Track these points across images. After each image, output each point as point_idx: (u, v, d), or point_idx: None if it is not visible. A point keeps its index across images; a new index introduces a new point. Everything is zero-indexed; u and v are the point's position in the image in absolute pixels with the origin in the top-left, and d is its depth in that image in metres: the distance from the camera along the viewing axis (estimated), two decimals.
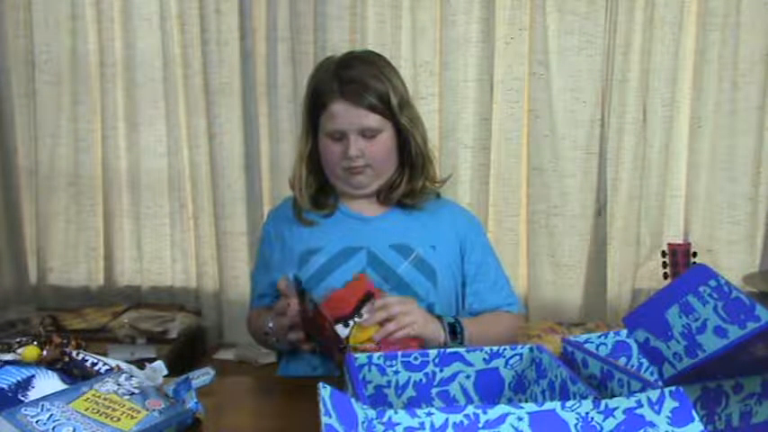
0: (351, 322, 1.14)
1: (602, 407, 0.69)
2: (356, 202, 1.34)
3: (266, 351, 2.05)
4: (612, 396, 0.74)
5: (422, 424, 0.68)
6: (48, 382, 0.95)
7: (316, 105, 1.26)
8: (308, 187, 1.32)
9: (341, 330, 1.13)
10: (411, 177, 1.32)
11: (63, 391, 0.91)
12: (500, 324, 1.32)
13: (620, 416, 0.69)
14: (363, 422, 0.66)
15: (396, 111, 1.25)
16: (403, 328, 1.14)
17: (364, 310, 1.15)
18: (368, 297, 1.16)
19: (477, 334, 1.24)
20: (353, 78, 1.23)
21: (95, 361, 1.02)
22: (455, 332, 1.21)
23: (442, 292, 1.29)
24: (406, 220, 1.32)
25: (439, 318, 1.21)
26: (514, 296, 1.40)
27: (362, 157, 1.25)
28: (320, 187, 1.34)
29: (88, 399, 0.89)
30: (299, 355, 1.30)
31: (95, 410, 0.87)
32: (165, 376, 1.00)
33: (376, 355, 0.91)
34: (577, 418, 0.68)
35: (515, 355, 0.93)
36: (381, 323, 1.14)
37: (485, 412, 0.68)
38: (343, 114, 1.23)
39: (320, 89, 1.25)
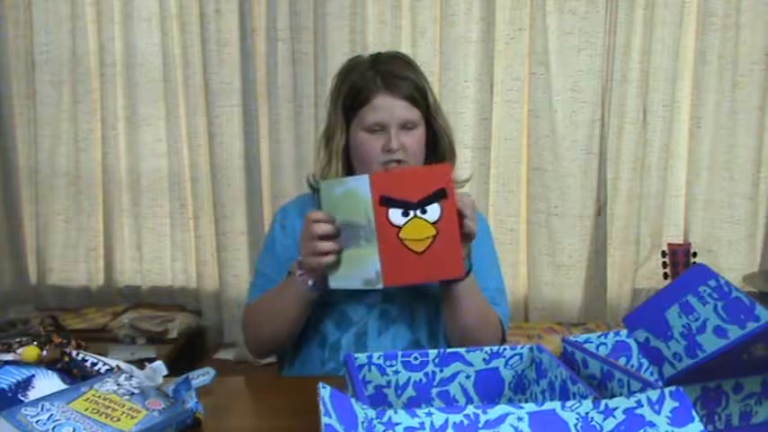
0: (411, 213, 1.09)
1: (602, 407, 0.69)
2: None
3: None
4: (612, 396, 0.74)
5: (422, 424, 0.68)
6: (48, 382, 0.95)
7: (356, 101, 1.26)
8: None
9: (396, 218, 1.08)
10: None
11: (63, 391, 0.91)
12: (488, 313, 1.28)
13: (620, 416, 0.69)
14: (363, 422, 0.66)
15: (432, 109, 1.28)
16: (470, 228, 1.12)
17: (430, 208, 1.08)
18: (441, 194, 1.08)
19: (474, 289, 1.23)
20: (393, 72, 1.25)
21: (95, 361, 1.02)
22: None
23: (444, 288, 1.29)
24: None
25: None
26: (503, 304, 1.35)
27: (402, 151, 1.25)
28: None
29: (88, 399, 0.89)
30: (306, 356, 1.30)
31: (95, 410, 0.87)
32: (165, 376, 1.00)
33: (376, 355, 0.91)
34: (577, 418, 0.68)
35: (515, 355, 0.93)
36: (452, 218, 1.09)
37: (485, 412, 0.68)
38: (387, 107, 1.23)
39: (361, 85, 1.25)
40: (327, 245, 1.12)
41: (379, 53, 1.35)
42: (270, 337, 1.30)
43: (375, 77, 1.24)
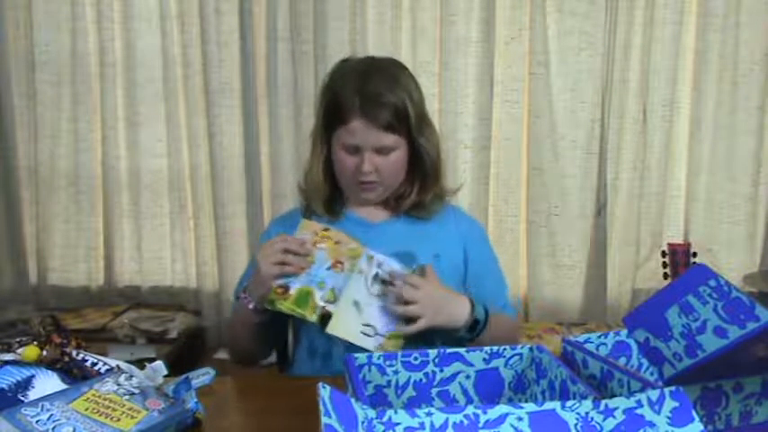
0: None
1: (602, 407, 0.69)
2: (363, 207, 1.34)
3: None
4: (612, 396, 0.74)
5: (422, 424, 0.68)
6: (48, 382, 0.95)
7: (334, 117, 1.25)
8: (324, 194, 1.32)
9: None
10: (421, 190, 1.32)
11: (63, 391, 0.91)
12: (504, 326, 1.31)
13: (620, 416, 0.69)
14: (363, 422, 0.66)
15: (413, 128, 1.25)
16: (406, 315, 1.15)
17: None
18: None
19: (488, 333, 1.23)
20: (374, 96, 1.22)
21: (95, 361, 1.02)
22: (474, 329, 1.20)
23: None
24: (412, 228, 1.32)
25: (472, 303, 1.20)
26: (510, 303, 1.39)
27: (375, 173, 1.25)
28: (331, 193, 1.34)
29: (88, 399, 0.89)
30: (299, 367, 1.30)
31: (95, 410, 0.87)
32: (165, 376, 1.00)
33: (376, 355, 0.91)
34: (577, 418, 0.68)
35: (515, 355, 0.93)
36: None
37: (485, 412, 0.68)
38: (361, 132, 1.22)
39: (340, 102, 1.24)
40: (290, 258, 1.16)
41: (373, 60, 1.32)
42: (241, 353, 1.33)
43: (354, 98, 1.22)
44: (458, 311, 1.19)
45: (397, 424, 0.68)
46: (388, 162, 1.25)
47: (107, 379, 0.94)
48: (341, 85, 1.25)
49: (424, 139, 1.28)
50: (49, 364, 0.98)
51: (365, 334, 1.16)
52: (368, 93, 1.22)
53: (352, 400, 0.68)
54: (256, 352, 1.34)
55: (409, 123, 1.25)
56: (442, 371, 0.92)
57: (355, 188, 1.29)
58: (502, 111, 2.32)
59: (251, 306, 1.20)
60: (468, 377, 0.92)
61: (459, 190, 1.42)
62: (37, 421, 0.82)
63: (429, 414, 0.68)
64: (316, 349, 1.28)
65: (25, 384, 0.94)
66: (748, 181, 2.30)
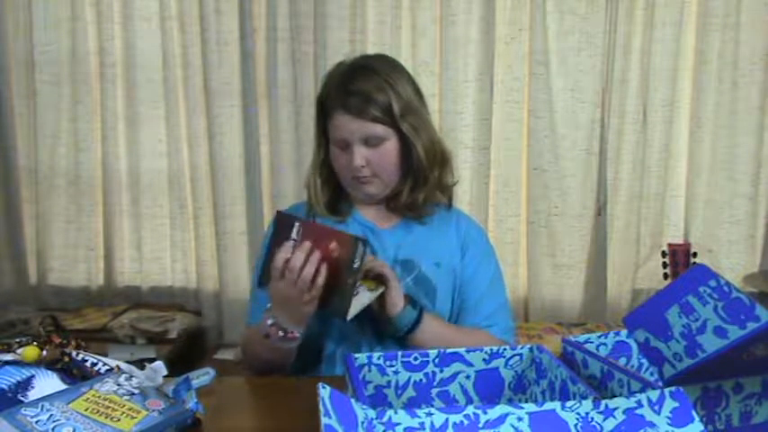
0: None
1: (603, 407, 0.69)
2: (368, 209, 1.34)
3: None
4: (612, 396, 0.74)
5: (422, 424, 0.68)
6: (48, 382, 0.95)
7: (323, 115, 1.27)
8: (322, 195, 1.32)
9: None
10: (413, 188, 1.30)
11: (63, 391, 0.90)
12: (470, 337, 1.25)
13: (620, 416, 0.69)
14: (363, 422, 0.66)
15: (397, 118, 1.24)
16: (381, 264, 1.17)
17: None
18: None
19: (437, 331, 1.22)
20: (356, 91, 1.22)
21: (95, 361, 1.02)
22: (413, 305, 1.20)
23: (441, 309, 1.29)
24: (415, 235, 1.32)
25: (406, 296, 1.21)
26: (502, 319, 1.32)
27: (368, 167, 1.24)
28: (334, 193, 1.34)
29: (88, 399, 0.89)
30: (300, 368, 1.30)
31: (95, 411, 0.87)
32: (165, 376, 1.00)
33: (376, 355, 0.91)
34: (577, 419, 0.68)
35: (515, 355, 0.93)
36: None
37: (485, 412, 0.68)
38: (345, 124, 1.23)
39: (327, 101, 1.26)
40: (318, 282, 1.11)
41: (361, 59, 1.32)
42: (262, 369, 1.30)
43: (337, 93, 1.23)
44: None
45: (398, 424, 0.68)
46: (379, 154, 1.24)
47: (107, 379, 0.94)
48: (329, 84, 1.27)
49: (413, 132, 1.25)
50: (49, 365, 0.98)
51: (355, 297, 1.14)
52: (348, 86, 1.23)
53: (352, 401, 0.68)
54: (281, 368, 1.31)
55: (393, 114, 1.23)
56: (441, 371, 0.92)
57: (354, 185, 1.28)
58: (502, 111, 2.32)
59: (281, 333, 1.15)
60: (468, 377, 0.92)
61: (454, 184, 1.40)
62: (37, 421, 0.82)
63: (429, 414, 0.68)
64: (321, 352, 1.28)
65: (25, 385, 0.94)
66: (748, 181, 2.30)
